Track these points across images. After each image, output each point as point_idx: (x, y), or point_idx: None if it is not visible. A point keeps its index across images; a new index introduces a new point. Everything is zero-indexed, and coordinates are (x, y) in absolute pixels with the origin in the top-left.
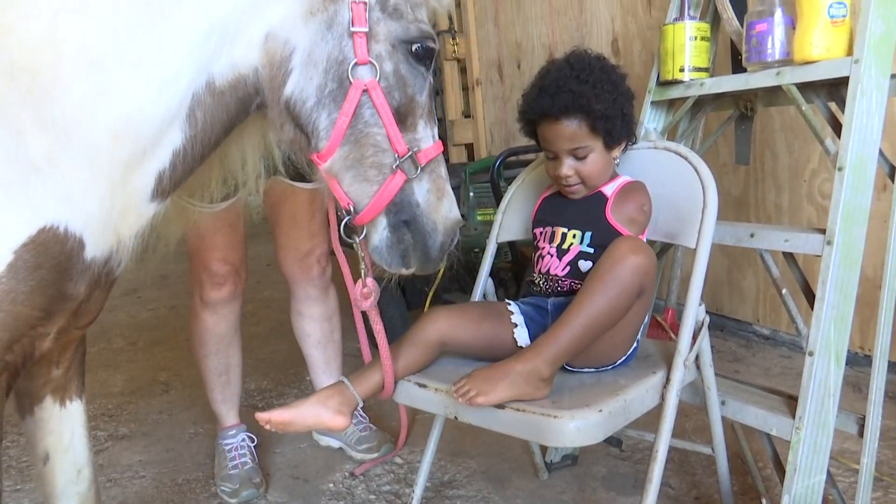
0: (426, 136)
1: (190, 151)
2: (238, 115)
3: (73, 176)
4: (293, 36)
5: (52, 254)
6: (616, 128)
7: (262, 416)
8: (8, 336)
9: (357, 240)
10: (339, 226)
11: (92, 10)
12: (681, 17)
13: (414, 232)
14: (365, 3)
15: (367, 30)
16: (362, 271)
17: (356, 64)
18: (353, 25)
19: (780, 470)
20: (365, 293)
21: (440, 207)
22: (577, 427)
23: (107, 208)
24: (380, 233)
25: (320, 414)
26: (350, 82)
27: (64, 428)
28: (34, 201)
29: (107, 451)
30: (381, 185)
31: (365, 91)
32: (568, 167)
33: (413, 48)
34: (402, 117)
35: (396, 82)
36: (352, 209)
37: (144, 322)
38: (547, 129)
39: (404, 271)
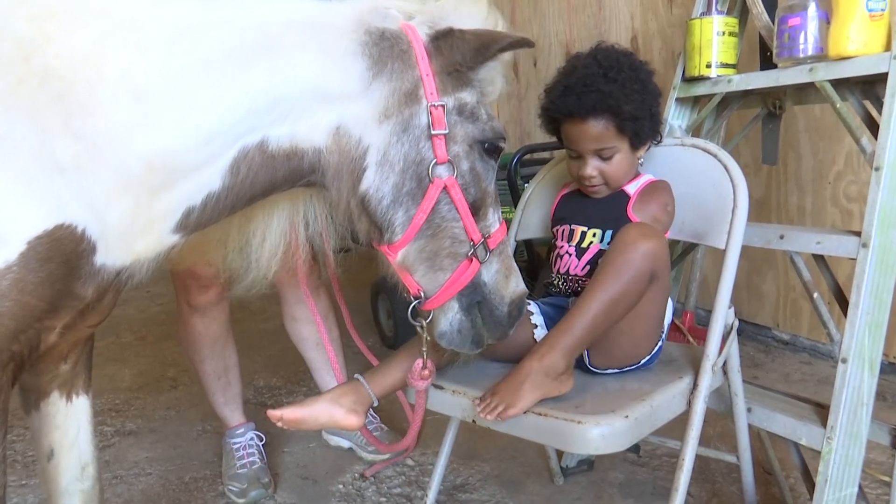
0: (494, 221)
1: (224, 199)
2: (283, 182)
3: (98, 186)
4: (367, 135)
5: (65, 250)
6: (644, 129)
7: (273, 414)
8: (14, 325)
9: (423, 323)
10: (407, 309)
11: (142, 47)
12: (708, 11)
13: (484, 309)
14: (443, 107)
15: (446, 132)
16: (424, 353)
17: (436, 163)
18: (433, 128)
19: (809, 481)
20: (425, 374)
21: (508, 284)
22: (601, 434)
23: (126, 223)
24: (450, 317)
25: (334, 412)
26: (430, 181)
27: (70, 423)
28: (56, 198)
29: (113, 447)
30: (454, 272)
31: (444, 188)
32: (592, 168)
33: (486, 145)
34: (476, 209)
35: (472, 179)
36: (422, 295)
37: (153, 317)
38: (572, 129)
39: (475, 351)
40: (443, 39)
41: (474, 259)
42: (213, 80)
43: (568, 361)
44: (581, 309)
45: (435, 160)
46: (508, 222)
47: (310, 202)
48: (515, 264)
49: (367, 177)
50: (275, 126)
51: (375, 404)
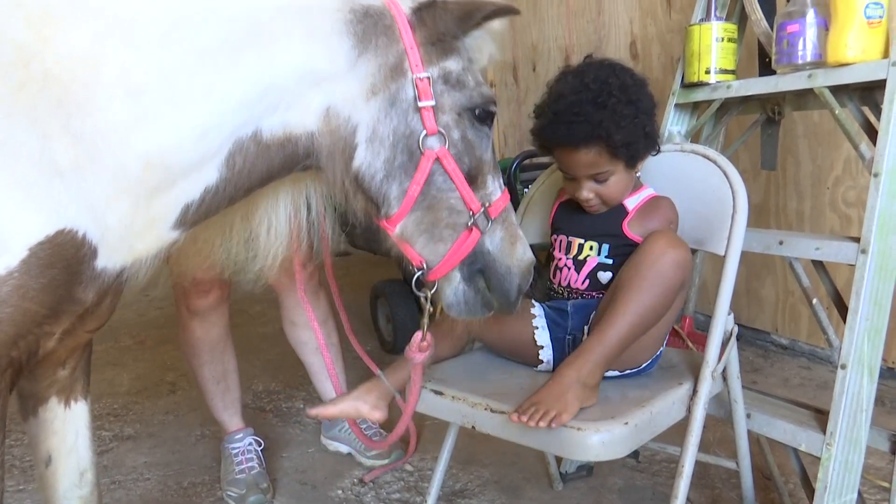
0: (495, 189)
1: (222, 191)
2: (280, 170)
3: (98, 188)
4: (355, 114)
5: (66, 256)
6: (639, 149)
7: (311, 412)
8: (14, 331)
9: (428, 293)
10: (411, 281)
11: (137, 44)
12: (707, 17)
13: (489, 278)
14: (429, 78)
15: (433, 103)
16: (424, 325)
17: (426, 135)
18: (420, 100)
19: (808, 487)
20: (423, 346)
21: (514, 252)
22: (601, 440)
23: (126, 224)
24: (454, 287)
25: (360, 408)
26: (421, 153)
27: (68, 429)
28: (56, 203)
29: (112, 452)
30: (454, 243)
31: (436, 159)
32: (588, 190)
33: (476, 112)
34: (473, 178)
35: (465, 147)
36: (424, 266)
37: (152, 320)
38: (564, 156)
39: (486, 315)
40: (426, 11)
41: (475, 228)
42: (206, 72)
43: (601, 374)
44: (615, 321)
45: (424, 132)
46: None
47: (310, 185)
48: (521, 232)
49: (358, 154)
50: (267, 115)
51: (396, 396)
